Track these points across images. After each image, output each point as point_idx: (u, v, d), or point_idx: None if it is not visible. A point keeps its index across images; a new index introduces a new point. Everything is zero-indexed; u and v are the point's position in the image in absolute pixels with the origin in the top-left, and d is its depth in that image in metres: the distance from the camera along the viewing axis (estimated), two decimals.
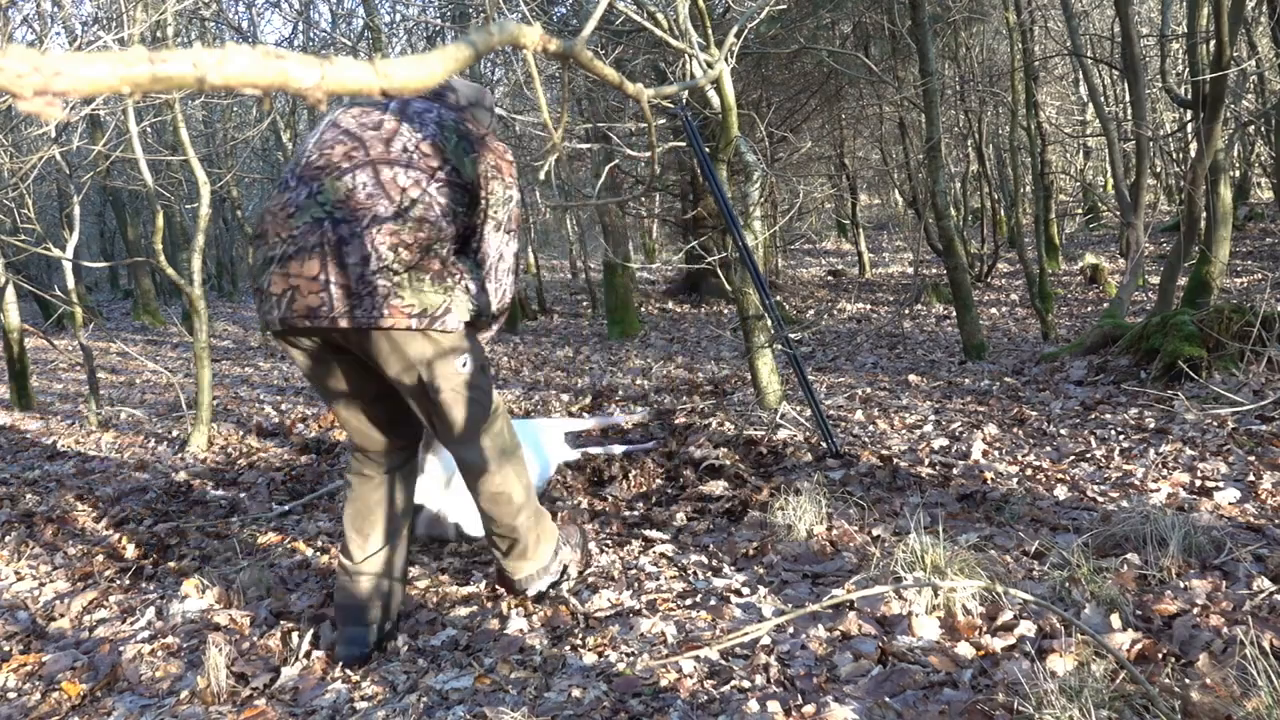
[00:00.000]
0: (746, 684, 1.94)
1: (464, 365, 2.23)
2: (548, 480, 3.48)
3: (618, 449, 3.82)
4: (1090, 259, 11.41)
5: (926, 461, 3.54)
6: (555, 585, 2.55)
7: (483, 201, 2.23)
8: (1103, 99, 11.28)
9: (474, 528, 2.93)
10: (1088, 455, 3.47)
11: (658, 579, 2.63)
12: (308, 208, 2.11)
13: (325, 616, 2.53)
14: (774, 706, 1.82)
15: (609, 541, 2.96)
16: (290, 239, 2.10)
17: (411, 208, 2.11)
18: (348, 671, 2.26)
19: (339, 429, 5.35)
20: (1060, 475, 3.25)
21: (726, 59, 3.76)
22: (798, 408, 4.25)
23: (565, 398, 5.98)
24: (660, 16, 4.00)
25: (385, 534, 2.41)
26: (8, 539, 3.49)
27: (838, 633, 2.13)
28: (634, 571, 2.69)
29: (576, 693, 1.97)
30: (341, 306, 2.07)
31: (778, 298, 10.58)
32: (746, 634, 1.86)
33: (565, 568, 2.60)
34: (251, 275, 2.24)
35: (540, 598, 2.52)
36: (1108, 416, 3.98)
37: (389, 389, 2.29)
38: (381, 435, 2.38)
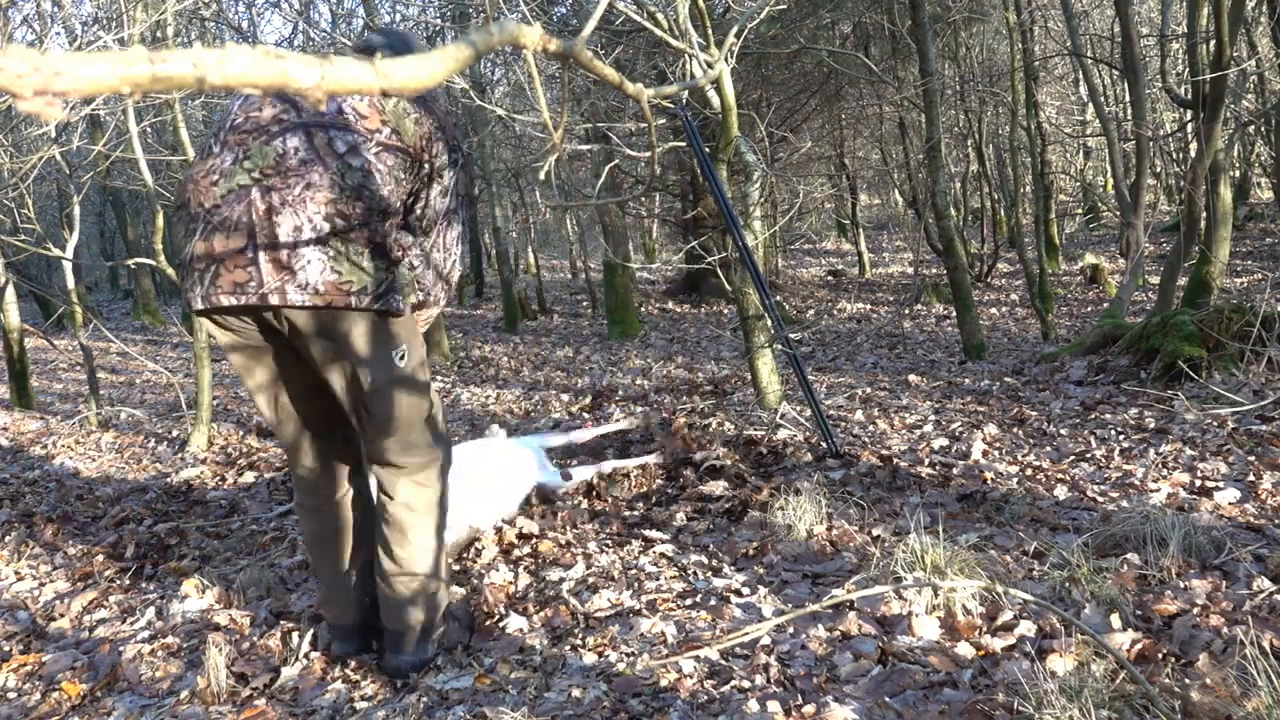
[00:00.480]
0: (746, 684, 1.94)
1: (401, 358, 2.03)
2: (511, 511, 3.12)
3: (608, 465, 3.50)
4: (1090, 259, 11.42)
5: (926, 461, 3.54)
6: (426, 663, 2.21)
7: (426, 165, 2.04)
8: (1103, 99, 11.28)
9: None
10: (1088, 455, 3.47)
11: (658, 579, 2.63)
12: (233, 174, 1.93)
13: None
14: (774, 706, 1.82)
15: (609, 541, 2.96)
16: (214, 209, 1.92)
17: (349, 174, 1.93)
18: (348, 671, 2.26)
19: None
20: (1060, 475, 3.25)
21: (726, 59, 3.76)
22: (798, 408, 4.25)
23: (565, 397, 5.99)
24: (660, 16, 4.00)
25: (346, 544, 2.24)
26: (8, 539, 3.49)
27: (838, 633, 2.13)
28: (634, 571, 2.69)
29: (576, 693, 1.97)
30: (271, 282, 1.88)
31: (778, 298, 10.57)
32: (746, 634, 1.86)
33: (441, 642, 2.27)
34: (175, 248, 2.05)
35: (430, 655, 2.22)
36: (1108, 416, 3.98)
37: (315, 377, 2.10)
38: (321, 445, 2.16)
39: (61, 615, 2.76)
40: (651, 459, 3.49)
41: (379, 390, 2.01)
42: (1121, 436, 3.66)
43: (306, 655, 2.34)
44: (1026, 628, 2.05)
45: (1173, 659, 1.87)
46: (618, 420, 4.11)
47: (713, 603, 2.40)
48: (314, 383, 2.09)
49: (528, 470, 3.32)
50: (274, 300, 1.89)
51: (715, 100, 4.13)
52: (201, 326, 4.95)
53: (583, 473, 3.42)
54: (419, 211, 2.07)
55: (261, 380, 2.12)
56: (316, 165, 1.92)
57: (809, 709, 1.81)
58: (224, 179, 1.94)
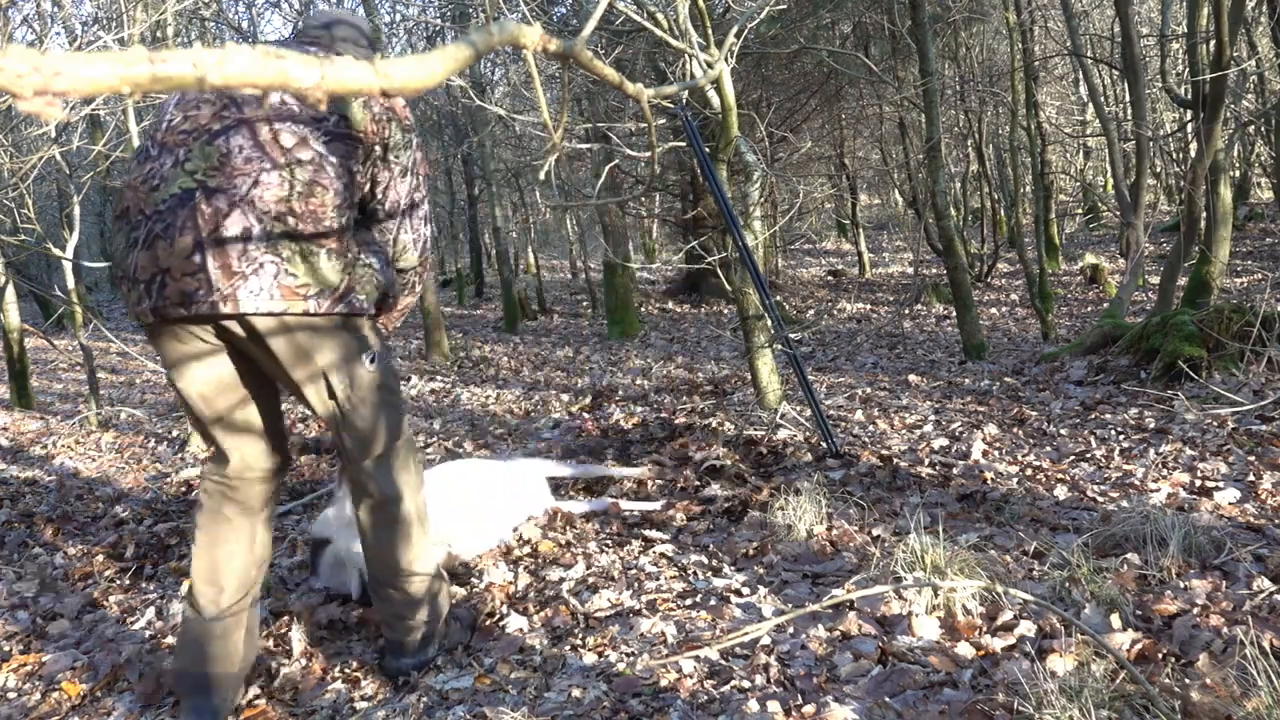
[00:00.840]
0: (746, 684, 1.94)
1: (371, 361, 1.95)
2: (494, 542, 2.94)
3: (606, 503, 3.25)
4: (1090, 259, 11.42)
5: (926, 461, 3.54)
6: (427, 663, 2.19)
7: (378, 149, 1.95)
8: (1103, 99, 11.28)
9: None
10: (1088, 455, 3.47)
11: (658, 579, 2.63)
12: (174, 178, 1.82)
13: (325, 617, 2.53)
14: (774, 706, 1.82)
15: (609, 541, 2.96)
16: (156, 215, 1.81)
17: (299, 169, 1.82)
18: (348, 671, 2.25)
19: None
20: (1060, 475, 3.25)
21: (726, 59, 3.76)
22: (798, 408, 4.25)
23: (565, 397, 5.99)
24: (660, 16, 4.00)
25: (242, 585, 2.04)
26: (8, 539, 3.49)
27: (838, 633, 2.13)
28: (634, 571, 2.69)
29: (576, 693, 1.97)
30: (222, 288, 1.77)
31: (778, 298, 10.58)
32: (746, 634, 1.86)
33: (442, 645, 2.25)
34: (115, 260, 1.92)
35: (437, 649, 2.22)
36: (1108, 416, 3.98)
37: (275, 393, 2.03)
38: (261, 459, 2.04)
39: (61, 615, 2.76)
40: (655, 506, 3.21)
41: (354, 396, 1.94)
42: (1121, 436, 3.66)
43: (306, 655, 2.34)
44: (1026, 628, 2.05)
45: (1173, 659, 1.87)
46: (636, 464, 3.68)
47: (713, 603, 2.40)
48: (263, 390, 2.01)
49: (522, 498, 3.10)
50: (226, 309, 1.79)
51: (715, 100, 4.13)
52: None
53: (577, 506, 3.22)
54: (380, 196, 1.99)
55: (203, 391, 1.96)
56: (264, 162, 1.82)
57: (809, 709, 1.81)
58: (165, 183, 1.83)
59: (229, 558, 2.02)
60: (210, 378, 1.94)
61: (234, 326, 1.85)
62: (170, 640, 2.47)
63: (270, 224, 1.80)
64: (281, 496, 3.93)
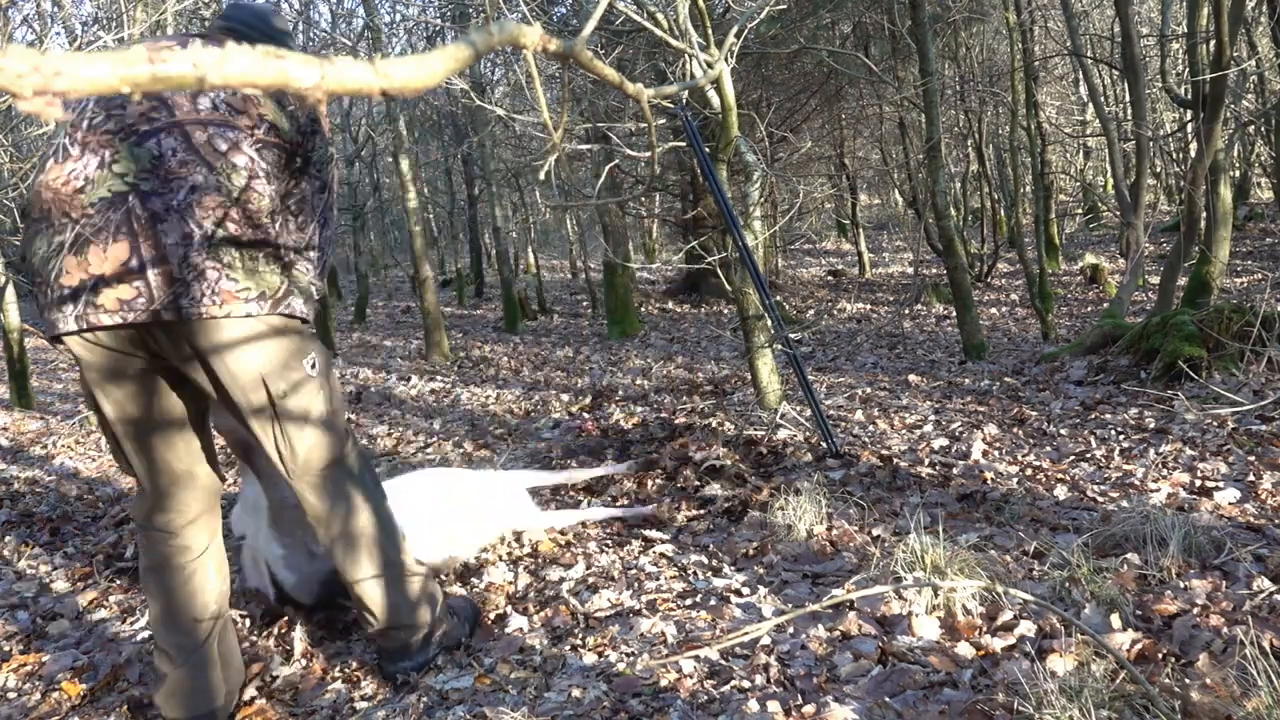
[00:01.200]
0: (746, 684, 1.94)
1: (311, 365, 1.90)
2: (464, 554, 2.80)
3: (598, 513, 3.15)
4: (1090, 259, 11.42)
5: (926, 461, 3.54)
6: (427, 663, 2.17)
7: (299, 160, 1.88)
8: (1103, 99, 11.28)
9: (301, 588, 2.42)
10: (1088, 455, 3.47)
11: (658, 579, 2.63)
12: (102, 180, 1.74)
13: (324, 617, 2.53)
14: (774, 706, 1.82)
15: (609, 541, 2.96)
16: (85, 219, 1.72)
17: (234, 174, 1.78)
18: (348, 671, 2.25)
19: None
20: (1060, 475, 3.25)
21: (726, 59, 3.76)
22: (798, 408, 4.25)
23: (565, 397, 5.99)
24: (660, 16, 4.00)
25: (208, 620, 1.98)
26: (8, 539, 3.49)
27: (838, 633, 2.13)
28: (634, 571, 2.69)
29: (576, 693, 1.97)
30: (163, 296, 1.71)
31: (778, 298, 10.58)
32: (746, 634, 1.86)
33: (442, 642, 2.21)
34: (30, 266, 1.80)
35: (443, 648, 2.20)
36: (1108, 416, 3.98)
37: (203, 409, 1.95)
38: (189, 489, 1.95)
39: (61, 615, 2.76)
40: (648, 511, 3.13)
41: (293, 403, 1.87)
42: (1121, 436, 3.66)
43: (305, 655, 2.34)
44: (1026, 628, 2.05)
45: (1173, 659, 1.87)
46: (611, 465, 3.64)
47: (713, 603, 2.40)
48: (194, 410, 1.93)
49: (497, 511, 2.94)
50: (167, 316, 1.72)
51: (715, 100, 4.13)
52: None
53: (564, 518, 3.09)
54: (293, 207, 1.89)
55: (130, 413, 1.86)
56: (199, 167, 1.76)
57: (809, 709, 1.81)
58: (91, 185, 1.74)
59: (188, 601, 1.96)
60: (134, 396, 1.85)
61: (164, 336, 1.77)
62: None
63: (209, 229, 1.74)
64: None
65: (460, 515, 2.81)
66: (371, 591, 2.02)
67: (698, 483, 3.39)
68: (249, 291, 1.78)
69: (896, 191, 16.01)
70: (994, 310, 9.86)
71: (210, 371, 1.82)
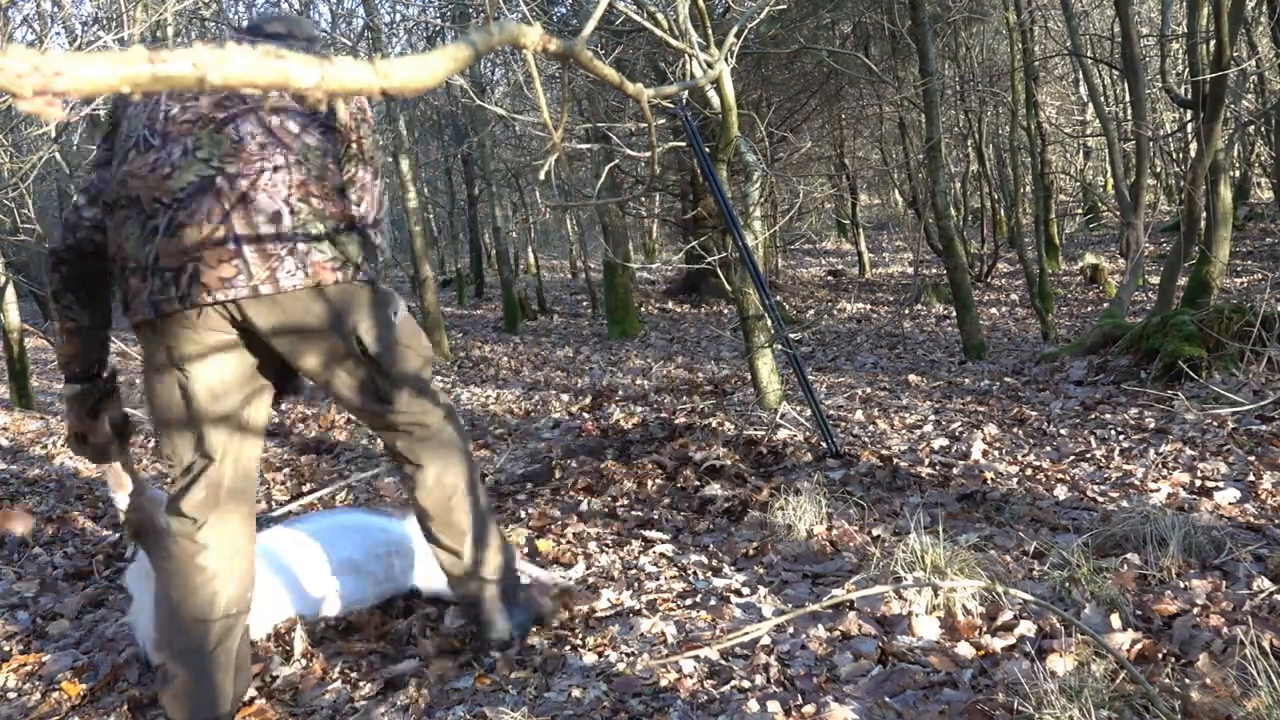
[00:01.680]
0: (746, 684, 1.94)
1: (395, 314, 2.00)
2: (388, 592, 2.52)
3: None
4: (1090, 259, 11.42)
5: (926, 461, 3.54)
6: (527, 628, 2.20)
7: (354, 147, 1.96)
8: (1103, 99, 11.28)
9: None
10: (1088, 455, 3.47)
11: (658, 579, 2.63)
12: (188, 166, 1.80)
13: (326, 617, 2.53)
14: (774, 706, 1.82)
15: (609, 541, 2.97)
16: (176, 203, 1.79)
17: (310, 154, 1.87)
18: (348, 671, 2.25)
19: (340, 428, 5.35)
20: (1060, 475, 3.25)
21: (726, 59, 3.76)
22: (798, 408, 4.25)
23: (565, 397, 5.99)
24: (660, 16, 4.00)
25: (233, 618, 1.96)
26: (8, 539, 3.49)
27: (838, 633, 2.13)
28: (634, 571, 2.69)
29: (576, 693, 1.97)
30: (260, 271, 1.79)
31: (778, 298, 10.58)
32: (746, 634, 1.86)
33: (528, 608, 2.25)
34: (119, 252, 1.86)
35: (519, 636, 2.20)
36: (1108, 416, 3.98)
37: (265, 400, 1.99)
38: (231, 475, 1.95)
39: (61, 615, 2.76)
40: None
41: (387, 347, 1.96)
42: (1121, 436, 3.66)
43: (306, 655, 2.34)
44: (1026, 628, 2.05)
45: (1173, 659, 1.87)
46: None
47: (713, 603, 2.40)
48: (258, 400, 1.97)
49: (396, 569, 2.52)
50: (266, 290, 1.80)
51: (715, 100, 4.13)
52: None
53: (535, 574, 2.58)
54: (354, 196, 1.96)
55: (199, 394, 1.88)
56: (278, 149, 1.85)
57: (809, 709, 1.81)
58: (177, 171, 1.81)
59: (206, 598, 1.92)
60: (225, 372, 1.90)
61: (261, 311, 1.83)
62: None
63: (295, 205, 1.84)
64: (283, 497, 3.93)
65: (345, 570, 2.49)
66: (463, 542, 2.09)
67: (698, 483, 3.39)
68: (336, 261, 1.87)
69: (896, 191, 16.01)
70: (994, 310, 9.86)
71: (304, 341, 1.89)
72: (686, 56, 4.01)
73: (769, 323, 4.15)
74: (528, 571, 2.51)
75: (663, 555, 2.80)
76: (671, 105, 3.90)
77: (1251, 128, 11.22)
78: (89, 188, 1.97)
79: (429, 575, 2.50)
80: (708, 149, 3.89)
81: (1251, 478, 2.98)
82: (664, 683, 1.97)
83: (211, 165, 1.81)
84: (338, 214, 1.90)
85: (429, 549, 2.21)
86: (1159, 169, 14.03)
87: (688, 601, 2.43)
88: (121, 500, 2.16)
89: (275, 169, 1.83)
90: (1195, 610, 2.04)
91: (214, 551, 1.94)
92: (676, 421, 4.22)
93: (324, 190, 1.88)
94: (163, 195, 1.80)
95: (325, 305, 1.88)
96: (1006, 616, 2.10)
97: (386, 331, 1.96)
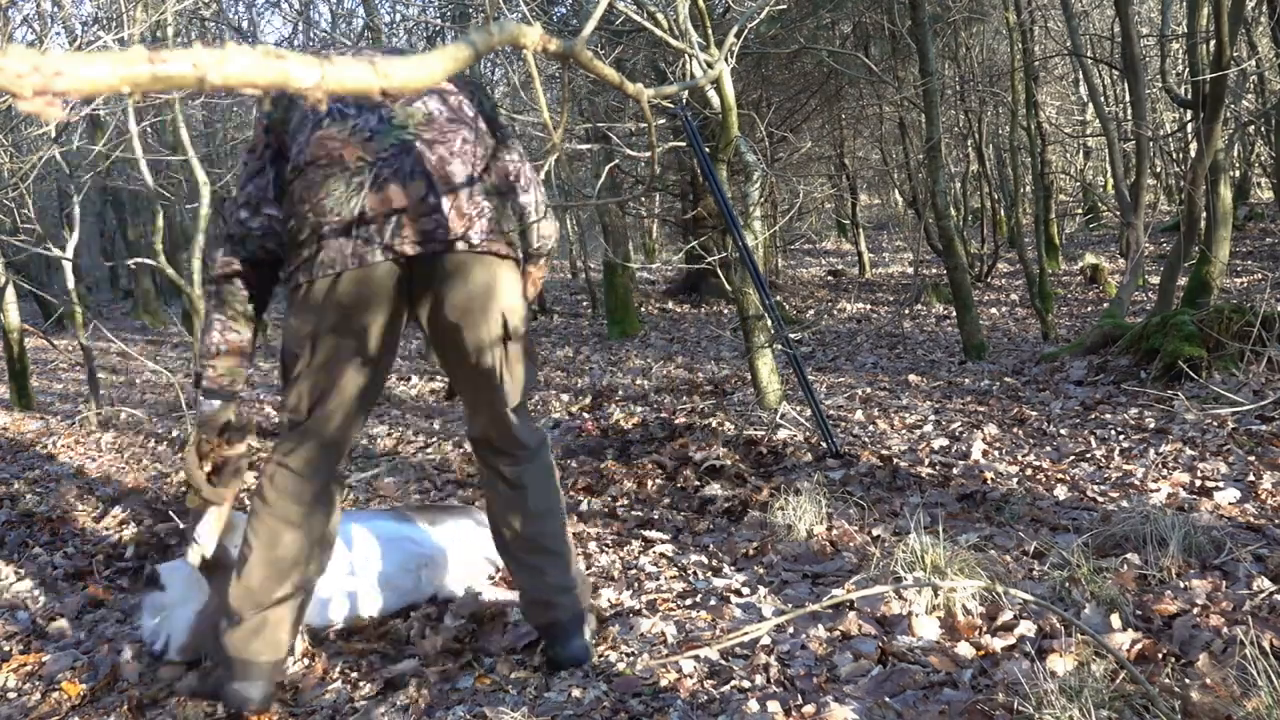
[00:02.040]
0: (746, 684, 1.94)
1: (525, 304, 2.09)
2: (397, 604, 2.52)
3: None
4: (1090, 259, 11.41)
5: (926, 461, 3.54)
6: (593, 646, 2.18)
7: (499, 136, 2.07)
8: (1103, 99, 11.28)
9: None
10: (1088, 455, 3.47)
11: (658, 579, 2.63)
12: (387, 132, 1.91)
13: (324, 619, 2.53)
14: (774, 706, 1.82)
15: (609, 541, 2.96)
16: (381, 161, 1.89)
17: (481, 134, 2.02)
18: (348, 671, 2.25)
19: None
20: (1060, 475, 3.25)
21: (726, 59, 3.76)
22: (798, 408, 4.25)
23: (565, 397, 5.99)
24: (660, 16, 4.00)
25: (304, 572, 2.04)
26: (8, 539, 3.49)
27: (838, 633, 2.13)
28: (634, 571, 2.69)
29: (576, 693, 1.97)
30: (457, 228, 1.91)
31: (778, 298, 10.57)
32: (746, 634, 1.86)
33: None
34: (314, 210, 1.89)
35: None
36: (1108, 416, 3.98)
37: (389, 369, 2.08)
38: (349, 435, 2.06)
39: (61, 615, 2.76)
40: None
41: (520, 331, 2.05)
42: (1121, 436, 3.66)
43: (306, 655, 2.34)
44: (1026, 628, 2.05)
45: (1173, 659, 1.87)
46: None
47: (713, 603, 2.40)
48: (386, 367, 2.05)
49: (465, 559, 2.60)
50: (460, 247, 1.92)
51: (715, 100, 4.13)
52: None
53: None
54: (518, 180, 2.08)
55: (355, 350, 1.95)
56: (461, 125, 1.99)
57: (809, 709, 1.81)
58: (378, 135, 1.91)
59: (296, 549, 1.99)
60: (369, 335, 1.96)
61: (429, 271, 1.92)
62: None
63: (480, 175, 1.97)
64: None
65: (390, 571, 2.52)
66: (551, 564, 2.13)
67: (698, 483, 3.39)
68: (506, 236, 2.00)
69: (896, 191, 16.01)
70: (994, 310, 9.86)
71: (474, 309, 1.96)
72: (686, 56, 4.01)
73: (769, 323, 4.15)
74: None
75: (663, 555, 2.80)
76: (671, 105, 3.90)
77: (1251, 128, 11.22)
78: (249, 200, 2.01)
79: (446, 582, 2.58)
80: (708, 149, 3.89)
81: (1251, 478, 2.98)
82: (664, 683, 1.97)
83: (409, 133, 1.92)
84: (506, 191, 2.03)
85: (472, 559, 2.34)
86: (1159, 169, 14.03)
87: (688, 601, 2.43)
88: (209, 543, 2.11)
89: (463, 141, 1.97)
90: (1195, 610, 2.04)
91: (321, 503, 2.02)
92: (676, 421, 4.22)
93: (496, 169, 2.02)
94: (367, 154, 1.90)
95: (496, 276, 1.98)
96: (1006, 616, 2.10)
97: (520, 319, 2.04)
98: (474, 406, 2.11)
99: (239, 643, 1.99)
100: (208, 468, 2.07)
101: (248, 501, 2.15)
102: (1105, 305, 8.45)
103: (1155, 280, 8.18)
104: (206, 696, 2.09)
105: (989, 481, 3.22)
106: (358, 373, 1.97)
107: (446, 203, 1.91)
